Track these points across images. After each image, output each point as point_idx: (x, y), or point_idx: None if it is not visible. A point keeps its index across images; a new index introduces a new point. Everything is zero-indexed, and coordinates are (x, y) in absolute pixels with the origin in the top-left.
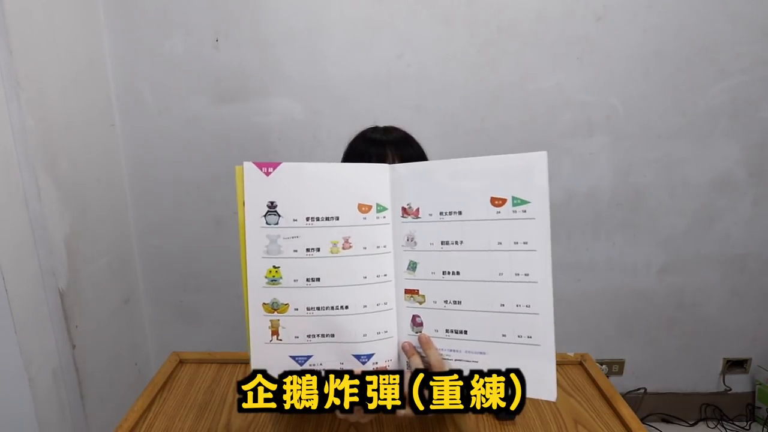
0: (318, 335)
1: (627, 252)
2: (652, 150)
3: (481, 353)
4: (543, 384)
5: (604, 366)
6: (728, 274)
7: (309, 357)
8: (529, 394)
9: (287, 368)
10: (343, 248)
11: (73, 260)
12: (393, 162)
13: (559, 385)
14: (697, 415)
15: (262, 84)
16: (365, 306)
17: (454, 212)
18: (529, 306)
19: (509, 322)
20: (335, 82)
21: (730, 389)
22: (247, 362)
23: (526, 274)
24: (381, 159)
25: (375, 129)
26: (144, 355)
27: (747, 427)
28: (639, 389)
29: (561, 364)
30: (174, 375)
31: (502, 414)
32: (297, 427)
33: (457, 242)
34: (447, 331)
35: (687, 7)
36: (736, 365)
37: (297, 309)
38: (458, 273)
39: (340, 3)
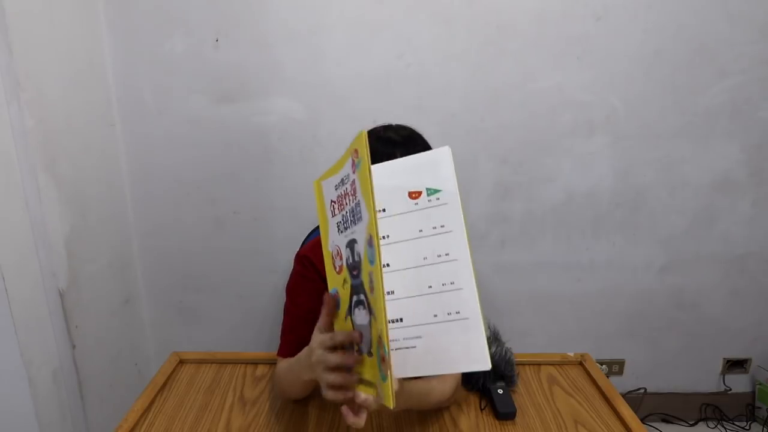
0: None
1: (627, 252)
2: (652, 150)
3: (417, 337)
4: (475, 355)
5: (604, 366)
6: (728, 274)
7: None
8: (463, 369)
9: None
10: None
11: (73, 261)
12: None
13: (559, 385)
14: (697, 415)
15: (262, 84)
16: None
17: (379, 210)
18: (453, 283)
19: (438, 302)
20: (335, 82)
21: (730, 389)
22: (247, 362)
23: (447, 254)
24: (390, 158)
25: (388, 127)
26: (144, 355)
27: (747, 427)
28: (639, 389)
29: (561, 364)
30: (174, 375)
31: (502, 414)
32: (297, 427)
33: (384, 237)
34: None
35: (687, 7)
36: (736, 365)
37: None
38: (388, 265)
39: (340, 3)
